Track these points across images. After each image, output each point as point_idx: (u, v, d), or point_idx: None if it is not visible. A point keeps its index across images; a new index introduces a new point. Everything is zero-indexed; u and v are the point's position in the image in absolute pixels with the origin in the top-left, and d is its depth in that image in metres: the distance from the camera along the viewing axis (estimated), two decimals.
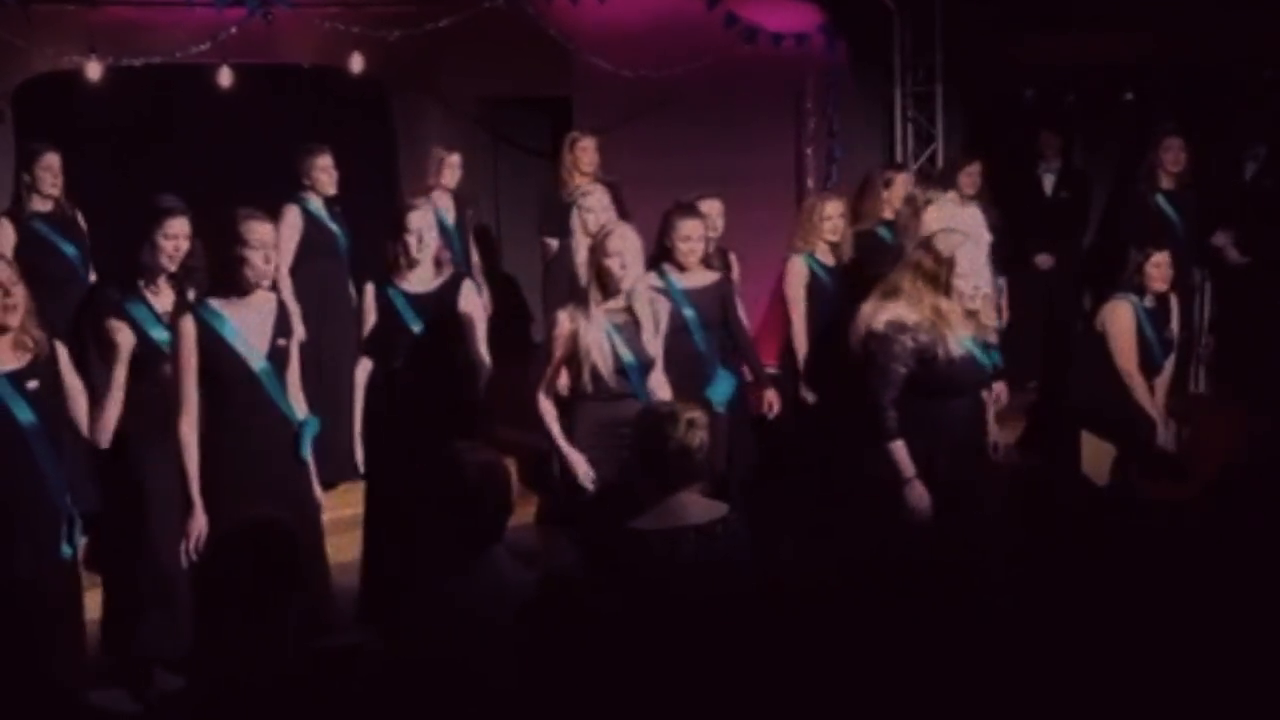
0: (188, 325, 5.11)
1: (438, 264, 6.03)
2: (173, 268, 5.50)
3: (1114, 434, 7.06)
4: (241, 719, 3.41)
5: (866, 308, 5.44)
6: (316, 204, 7.57)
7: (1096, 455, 7.06)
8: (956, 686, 3.35)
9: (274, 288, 5.39)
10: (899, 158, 9.89)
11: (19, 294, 4.77)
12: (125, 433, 5.16)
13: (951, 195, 6.82)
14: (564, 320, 5.57)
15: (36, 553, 4.81)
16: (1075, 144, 10.15)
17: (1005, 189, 8.92)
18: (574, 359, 5.52)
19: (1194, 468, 6.75)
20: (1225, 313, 9.00)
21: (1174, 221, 8.34)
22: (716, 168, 8.14)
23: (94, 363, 5.27)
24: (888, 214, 7.49)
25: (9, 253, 6.41)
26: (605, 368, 5.47)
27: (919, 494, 5.27)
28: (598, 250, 5.54)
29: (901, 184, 7.64)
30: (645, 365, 5.55)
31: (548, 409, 5.62)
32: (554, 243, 8.08)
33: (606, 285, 5.51)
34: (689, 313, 6.29)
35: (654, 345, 5.59)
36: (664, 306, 5.76)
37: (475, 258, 8.59)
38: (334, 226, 7.62)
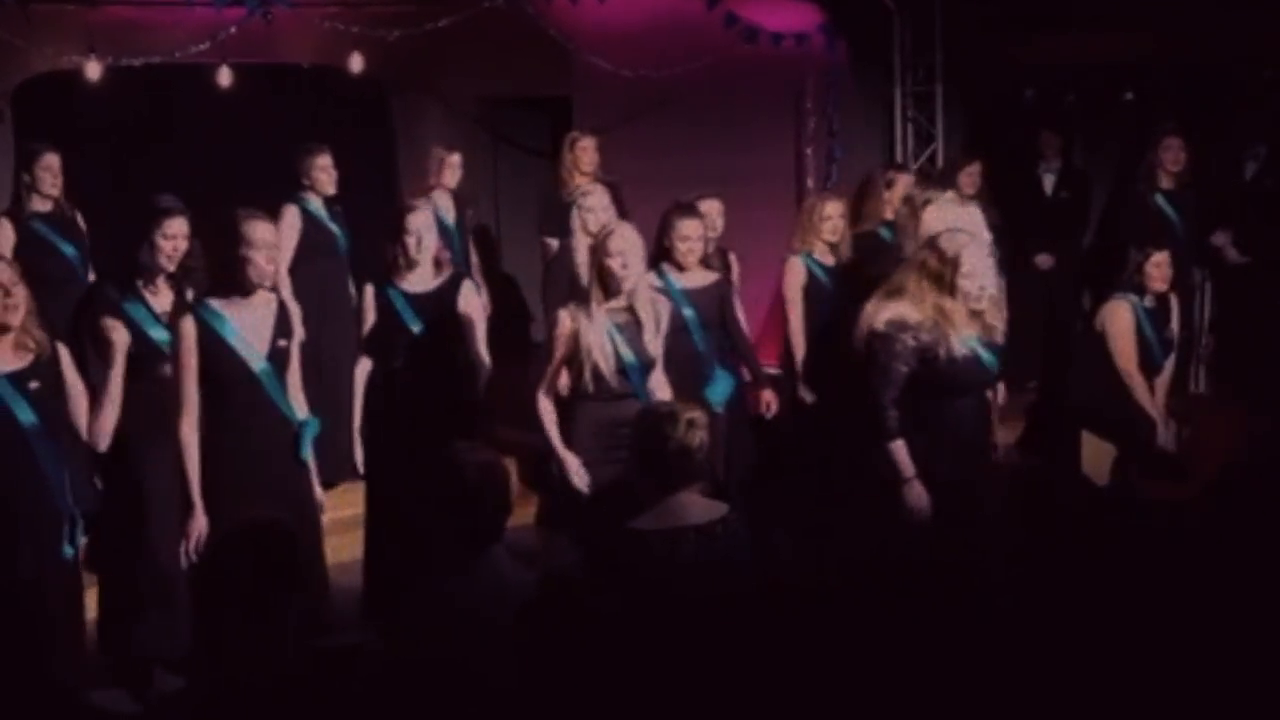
0: (188, 326, 5.10)
1: (437, 264, 6.03)
2: (171, 268, 5.49)
3: (1114, 434, 7.06)
4: (241, 719, 3.41)
5: (869, 307, 5.43)
6: (316, 204, 7.57)
7: (1096, 455, 7.05)
8: (956, 686, 3.35)
9: (274, 288, 5.38)
10: (899, 158, 9.88)
11: (20, 294, 4.77)
12: (124, 432, 5.16)
13: (950, 195, 6.81)
14: (565, 320, 5.57)
15: (38, 553, 4.81)
16: (1075, 144, 10.15)
17: (1005, 189, 8.92)
18: (575, 359, 5.52)
19: (1194, 468, 6.75)
20: (1225, 313, 9.00)
21: (1174, 221, 8.34)
22: (716, 168, 8.14)
23: (92, 362, 5.27)
24: (889, 215, 7.47)
25: (8, 253, 6.42)
26: (607, 368, 5.47)
27: (918, 494, 5.27)
28: (599, 250, 5.54)
29: (903, 185, 7.62)
30: (646, 365, 5.55)
31: (547, 409, 5.61)
32: (554, 243, 8.08)
33: (608, 285, 5.51)
34: (688, 313, 6.29)
35: (655, 345, 5.59)
36: (665, 307, 5.76)
37: (474, 258, 8.60)
38: (333, 226, 7.62)
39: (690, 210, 6.48)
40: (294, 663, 3.52)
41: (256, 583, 3.52)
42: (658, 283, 6.17)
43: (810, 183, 9.18)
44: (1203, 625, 3.48)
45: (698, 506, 4.33)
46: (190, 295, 5.46)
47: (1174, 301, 7.21)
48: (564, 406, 5.65)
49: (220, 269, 5.21)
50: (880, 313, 5.36)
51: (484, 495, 3.93)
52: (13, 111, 7.79)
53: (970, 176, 8.57)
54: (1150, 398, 7.00)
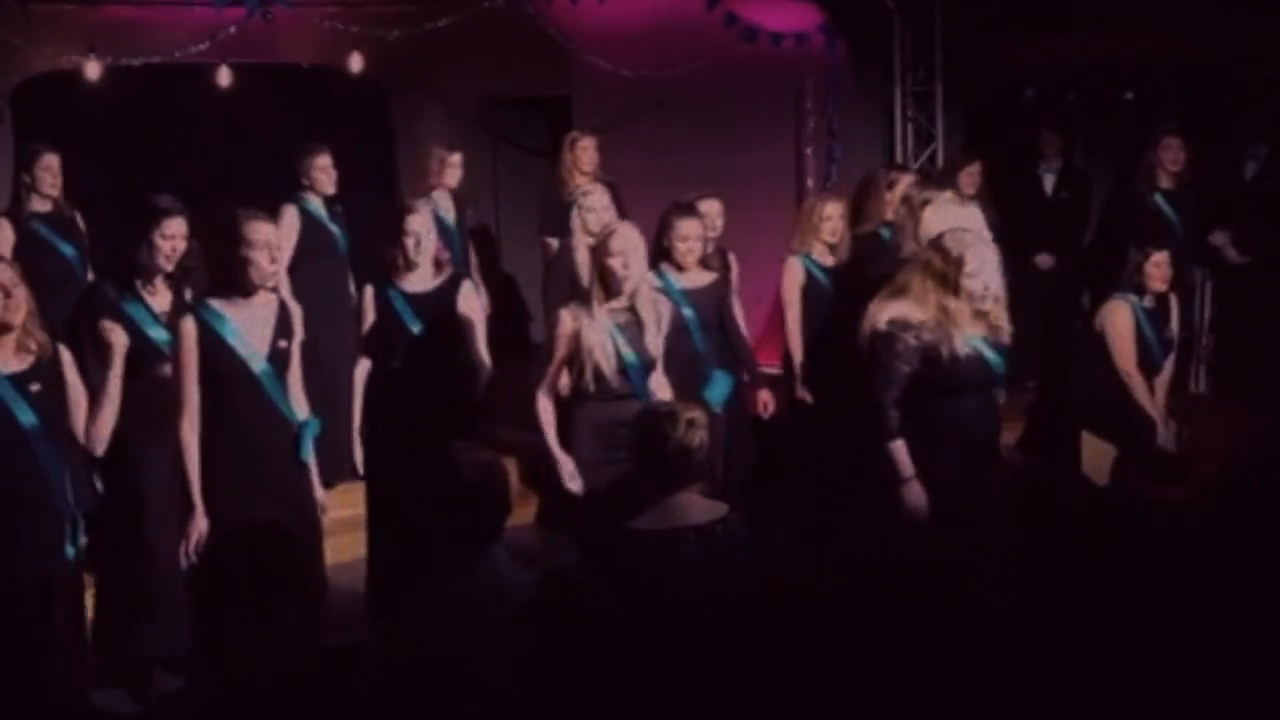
0: (188, 326, 5.10)
1: (437, 264, 6.03)
2: (170, 268, 5.48)
3: (1114, 434, 7.06)
4: (241, 719, 3.41)
5: (873, 306, 5.43)
6: (315, 204, 7.57)
7: (1096, 455, 7.05)
8: (956, 686, 3.35)
9: (274, 289, 5.38)
10: (899, 158, 9.88)
11: (21, 295, 4.76)
12: (124, 433, 5.15)
13: (949, 194, 6.80)
14: (566, 319, 5.57)
15: (40, 554, 4.81)
16: (1075, 144, 10.15)
17: (1005, 189, 8.91)
18: (576, 359, 5.52)
19: (1194, 468, 6.75)
20: (1225, 313, 8.99)
21: (1173, 221, 8.34)
22: (716, 168, 8.14)
23: (90, 363, 5.27)
24: (890, 215, 7.47)
25: (8, 253, 6.42)
26: (608, 368, 5.47)
27: (916, 494, 5.27)
28: (600, 250, 5.54)
29: (905, 185, 7.62)
30: (648, 365, 5.55)
31: (546, 410, 5.61)
32: (554, 242, 8.07)
33: (609, 285, 5.51)
34: (688, 313, 6.29)
35: (657, 345, 5.59)
36: (666, 307, 5.76)
37: (474, 258, 8.59)
38: (333, 226, 7.62)
39: (690, 210, 6.48)
40: (294, 663, 3.52)
41: (256, 583, 3.52)
42: (657, 283, 6.16)
43: (810, 183, 9.18)
44: (1203, 625, 3.48)
45: (697, 506, 4.33)
46: (190, 295, 5.46)
47: (1174, 301, 7.21)
48: (564, 407, 5.65)
49: (220, 269, 5.20)
50: (883, 312, 5.36)
51: (483, 495, 3.93)
52: (12, 111, 7.79)
53: (970, 176, 8.57)
54: (1150, 398, 7.00)
